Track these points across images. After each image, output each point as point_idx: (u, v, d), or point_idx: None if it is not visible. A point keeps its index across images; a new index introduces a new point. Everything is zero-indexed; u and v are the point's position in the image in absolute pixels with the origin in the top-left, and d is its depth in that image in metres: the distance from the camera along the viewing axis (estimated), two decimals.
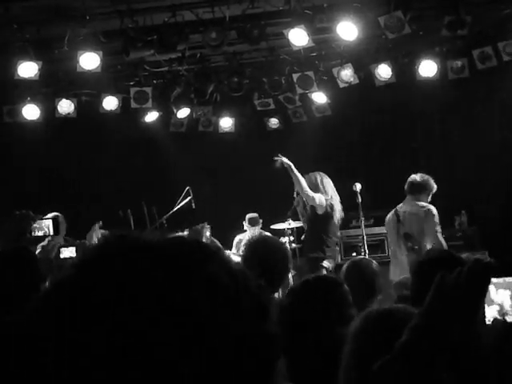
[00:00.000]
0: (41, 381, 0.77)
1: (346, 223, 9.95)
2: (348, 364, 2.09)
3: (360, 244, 8.39)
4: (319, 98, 10.82)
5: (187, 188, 10.02)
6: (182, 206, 9.86)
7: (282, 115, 11.94)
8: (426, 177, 8.04)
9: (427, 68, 9.69)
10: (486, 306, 2.18)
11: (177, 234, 0.91)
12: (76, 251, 4.81)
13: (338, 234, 9.01)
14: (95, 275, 0.82)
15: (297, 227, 10.02)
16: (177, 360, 0.78)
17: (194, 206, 9.84)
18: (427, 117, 11.89)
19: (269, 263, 3.95)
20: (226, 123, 11.94)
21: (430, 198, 7.98)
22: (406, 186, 8.19)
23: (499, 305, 3.09)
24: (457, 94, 11.15)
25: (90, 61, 8.37)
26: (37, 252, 5.03)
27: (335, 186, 9.03)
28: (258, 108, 11.37)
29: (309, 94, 10.65)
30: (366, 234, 8.89)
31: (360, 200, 8.30)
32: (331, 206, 8.64)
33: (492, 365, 2.25)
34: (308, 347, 3.01)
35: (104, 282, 0.81)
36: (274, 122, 12.09)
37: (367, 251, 8.04)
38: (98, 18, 8.07)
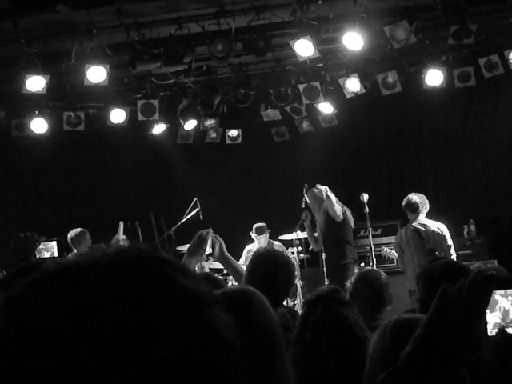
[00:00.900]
0: None
1: (353, 233, 9.95)
2: (373, 372, 2.08)
3: (368, 254, 8.37)
4: (326, 108, 10.83)
5: (195, 199, 10.05)
6: (189, 218, 9.88)
7: (288, 126, 11.95)
8: (422, 195, 8.27)
9: (433, 77, 9.69)
10: (488, 315, 2.17)
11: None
12: None
13: None
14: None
15: (305, 238, 10.02)
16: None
17: (201, 218, 9.86)
18: (434, 126, 11.89)
19: (273, 276, 3.94)
20: (233, 134, 11.96)
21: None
22: (405, 205, 8.33)
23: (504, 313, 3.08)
24: (463, 103, 11.15)
25: (97, 74, 8.41)
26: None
27: (342, 196, 9.04)
28: (265, 119, 11.39)
29: (315, 105, 10.66)
30: (374, 244, 8.87)
31: (367, 210, 8.28)
32: (345, 213, 8.67)
33: (493, 377, 2.24)
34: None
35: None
36: (280, 132, 12.10)
37: (375, 261, 8.01)
38: (105, 32, 8.11)
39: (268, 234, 10.07)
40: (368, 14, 8.01)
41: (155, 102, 10.11)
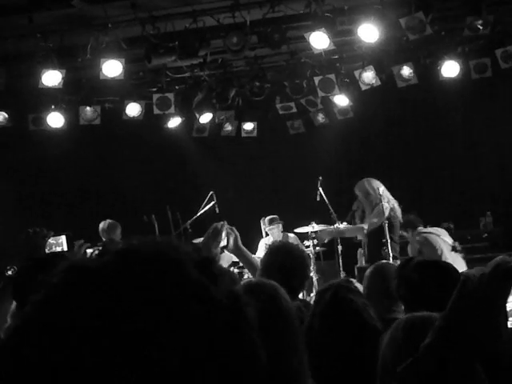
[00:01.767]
0: None
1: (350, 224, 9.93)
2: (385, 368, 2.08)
3: (384, 247, 8.34)
4: (341, 100, 10.80)
5: (211, 193, 10.06)
6: (205, 211, 9.90)
7: (304, 118, 11.93)
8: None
9: (450, 68, 9.64)
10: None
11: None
12: None
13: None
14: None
15: (321, 231, 10.01)
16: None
17: (217, 211, 9.87)
18: (450, 118, 11.82)
19: (288, 270, 3.95)
20: (249, 127, 11.97)
21: None
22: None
23: None
24: (480, 94, 11.08)
25: (112, 68, 8.43)
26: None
27: None
28: (280, 112, 11.38)
29: (331, 97, 10.64)
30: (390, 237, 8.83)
31: (383, 203, 8.25)
32: (392, 209, 8.54)
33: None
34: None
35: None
36: (296, 125, 12.08)
37: (391, 254, 7.99)
38: (120, 26, 8.14)
39: (280, 226, 10.06)
40: (383, 6, 7.99)
41: (171, 96, 10.13)
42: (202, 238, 4.09)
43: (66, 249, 3.92)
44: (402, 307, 4.43)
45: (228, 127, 11.87)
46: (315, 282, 9.40)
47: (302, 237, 10.10)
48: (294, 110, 11.31)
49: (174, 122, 11.02)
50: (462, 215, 11.10)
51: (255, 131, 11.97)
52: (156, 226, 10.23)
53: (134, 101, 10.37)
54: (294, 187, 11.51)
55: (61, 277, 0.87)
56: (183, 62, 9.02)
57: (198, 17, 8.10)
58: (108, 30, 8.08)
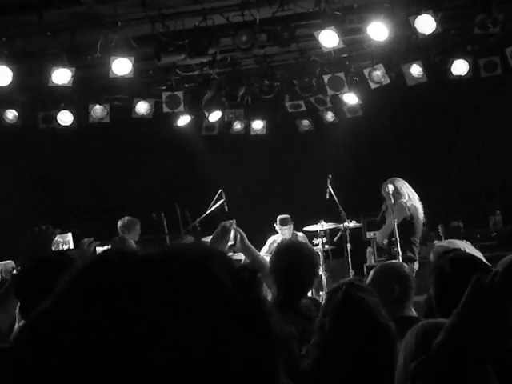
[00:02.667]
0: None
1: (378, 224, 9.90)
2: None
3: (393, 246, 8.33)
4: (350, 99, 10.79)
5: (220, 191, 10.08)
6: (214, 209, 9.92)
7: (313, 117, 11.92)
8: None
9: (459, 67, 9.62)
10: None
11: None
12: None
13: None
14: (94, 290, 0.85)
15: (330, 229, 10.01)
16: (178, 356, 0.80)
17: (226, 209, 9.89)
18: (460, 116, 11.80)
19: (297, 268, 3.97)
20: (258, 126, 11.97)
21: None
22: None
23: None
24: (490, 93, 11.05)
25: (122, 66, 8.45)
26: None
27: (367, 187, 8.99)
28: (290, 110, 11.37)
29: (340, 96, 10.63)
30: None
31: (393, 202, 8.24)
32: (410, 208, 8.50)
33: None
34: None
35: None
36: (305, 123, 12.08)
37: (400, 252, 7.98)
38: (130, 24, 8.15)
39: (292, 226, 10.07)
40: (393, 4, 7.97)
41: (180, 94, 10.14)
42: (210, 237, 4.11)
43: (72, 247, 3.93)
44: (413, 310, 4.44)
45: (237, 125, 11.88)
46: (324, 281, 9.40)
47: (311, 235, 10.10)
48: (304, 108, 11.30)
49: (184, 121, 11.04)
50: (471, 214, 11.08)
51: (264, 129, 11.97)
52: (165, 223, 10.27)
53: (144, 99, 10.39)
54: (303, 185, 11.51)
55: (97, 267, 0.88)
56: (193, 61, 9.04)
57: (207, 15, 8.10)
58: (118, 29, 8.09)
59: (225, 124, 11.65)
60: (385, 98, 10.85)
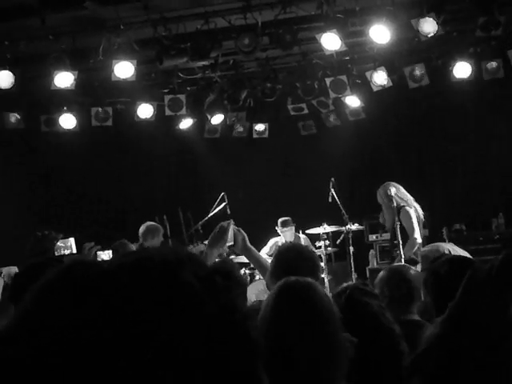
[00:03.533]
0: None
1: (381, 227, 9.89)
2: None
3: (396, 249, 8.32)
4: (353, 101, 10.79)
5: (222, 194, 10.09)
6: (217, 212, 9.92)
7: (315, 120, 11.92)
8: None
9: (461, 69, 9.62)
10: None
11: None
12: (112, 255, 4.83)
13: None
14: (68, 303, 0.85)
15: (332, 231, 10.01)
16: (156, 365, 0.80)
17: (229, 212, 9.89)
18: (462, 119, 11.78)
19: (298, 271, 3.96)
20: (260, 128, 11.97)
21: None
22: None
23: None
24: (492, 96, 11.04)
25: (124, 69, 8.46)
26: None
27: (369, 190, 8.97)
28: (292, 113, 11.37)
29: (342, 98, 10.62)
30: (402, 238, 8.81)
31: (395, 204, 8.23)
32: (415, 210, 8.45)
33: None
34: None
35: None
36: (307, 126, 12.08)
37: (403, 255, 7.97)
38: (132, 28, 8.16)
39: (293, 228, 10.07)
40: (395, 7, 7.97)
41: (182, 97, 10.16)
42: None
43: (74, 251, 3.93)
44: (416, 309, 4.44)
45: (239, 128, 11.88)
46: (327, 284, 9.39)
47: (314, 237, 10.10)
48: (306, 111, 11.30)
49: (186, 124, 11.05)
50: (473, 216, 11.07)
51: (267, 132, 11.98)
52: (168, 226, 10.26)
53: (146, 102, 10.39)
54: (306, 188, 11.50)
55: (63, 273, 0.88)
56: (195, 64, 9.05)
57: (209, 18, 8.12)
58: (120, 32, 8.11)
59: (227, 127, 11.66)
60: (387, 101, 10.85)
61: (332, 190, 9.78)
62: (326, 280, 9.40)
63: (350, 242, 9.82)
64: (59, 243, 3.78)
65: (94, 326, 0.80)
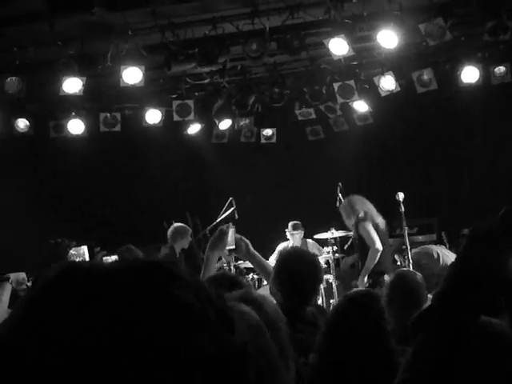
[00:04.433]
0: None
1: (389, 231, 9.87)
2: None
3: (404, 254, 8.31)
4: (360, 106, 10.78)
5: (230, 199, 10.10)
6: (225, 217, 9.93)
7: (323, 125, 11.93)
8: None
9: (469, 74, 9.60)
10: None
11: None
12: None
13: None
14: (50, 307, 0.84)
15: (340, 237, 9.99)
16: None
17: (236, 217, 9.89)
18: (470, 124, 11.77)
19: (300, 275, 3.96)
20: (268, 133, 11.99)
21: None
22: None
23: None
24: (500, 100, 11.02)
25: (132, 75, 8.49)
26: None
27: (377, 194, 8.96)
28: (299, 118, 11.38)
29: (350, 103, 10.62)
30: (410, 243, 8.80)
31: (403, 209, 8.22)
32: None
33: None
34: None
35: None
36: (315, 131, 12.08)
37: (411, 260, 7.95)
38: (140, 33, 8.19)
39: (302, 232, 10.07)
40: (402, 12, 7.97)
41: (190, 103, 10.17)
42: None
43: (87, 259, 3.94)
44: None
45: (247, 133, 11.90)
46: (335, 289, 9.38)
47: (322, 243, 10.09)
48: (314, 116, 11.30)
49: (194, 129, 11.07)
50: (482, 221, 11.02)
51: (274, 137, 11.99)
52: None
53: (154, 107, 10.41)
54: (314, 193, 11.50)
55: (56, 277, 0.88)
56: (203, 69, 9.06)
57: (217, 24, 8.13)
58: (128, 38, 8.13)
59: (235, 132, 11.68)
60: (395, 106, 10.85)
61: (340, 194, 9.76)
62: (333, 285, 9.38)
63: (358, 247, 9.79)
64: (72, 251, 3.79)
65: (93, 331, 0.80)
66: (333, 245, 9.91)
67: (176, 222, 9.99)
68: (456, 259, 1.68)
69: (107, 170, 12.00)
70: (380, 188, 9.39)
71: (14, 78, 8.51)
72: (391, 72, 9.71)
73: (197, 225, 10.37)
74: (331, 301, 9.30)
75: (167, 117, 10.44)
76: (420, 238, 10.42)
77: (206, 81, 9.78)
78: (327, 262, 9.71)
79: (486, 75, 9.77)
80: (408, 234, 8.71)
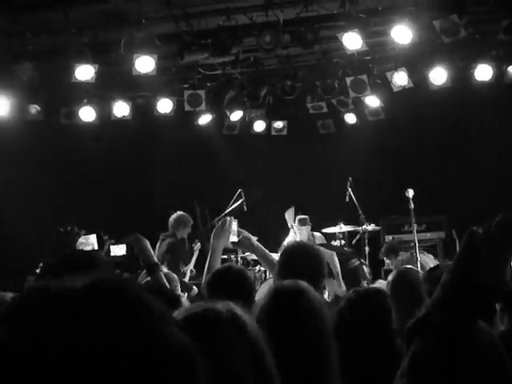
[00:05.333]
0: None
1: (398, 228, 9.87)
2: None
3: (412, 251, 8.30)
4: (372, 101, 10.75)
5: (239, 190, 10.10)
6: (233, 209, 9.94)
7: (334, 119, 11.90)
8: None
9: (483, 72, 9.56)
10: None
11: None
12: (126, 249, 4.88)
13: None
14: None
15: (348, 231, 9.99)
16: None
17: (245, 209, 9.90)
18: (483, 121, 11.71)
19: (303, 269, 3.97)
20: (279, 126, 11.97)
21: None
22: None
23: None
24: None
25: (145, 64, 8.49)
26: None
27: (387, 190, 8.94)
28: (311, 111, 11.36)
29: (362, 98, 10.59)
30: (418, 240, 8.79)
31: (412, 206, 8.20)
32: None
33: None
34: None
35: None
36: (326, 125, 12.05)
37: (419, 257, 7.93)
38: (154, 22, 8.19)
39: (309, 227, 10.07)
40: (417, 7, 7.93)
41: (202, 93, 10.16)
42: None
43: (96, 248, 3.95)
44: None
45: (258, 125, 11.88)
46: (342, 283, 9.36)
47: (330, 237, 10.09)
48: (325, 109, 11.28)
49: (205, 119, 11.07)
50: (491, 220, 10.98)
51: (285, 130, 11.97)
52: None
53: (166, 97, 10.41)
54: (323, 187, 11.48)
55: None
56: (215, 60, 9.06)
57: (231, 15, 8.12)
58: (142, 27, 8.13)
59: (246, 124, 11.67)
60: (407, 102, 10.79)
61: (349, 189, 9.77)
62: (340, 279, 9.37)
63: (366, 242, 9.80)
64: (81, 239, 3.79)
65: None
66: (341, 239, 9.91)
67: (182, 211, 10.03)
68: (453, 264, 1.68)
69: (115, 158, 12.01)
70: (390, 184, 9.36)
71: (27, 64, 8.53)
72: (404, 68, 9.67)
73: (205, 215, 10.38)
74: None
75: (178, 106, 10.44)
76: (428, 235, 10.41)
77: (218, 71, 9.78)
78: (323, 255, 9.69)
79: (500, 73, 9.72)
80: (416, 230, 8.70)
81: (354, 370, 2.96)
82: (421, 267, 7.43)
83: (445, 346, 1.61)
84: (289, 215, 10.04)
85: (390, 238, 10.60)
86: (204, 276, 4.42)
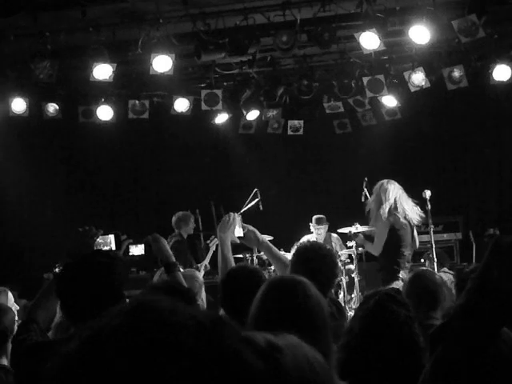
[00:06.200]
0: None
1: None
2: None
3: (428, 252, 8.27)
4: (389, 101, 10.71)
5: (255, 190, 10.09)
6: (249, 208, 9.93)
7: (351, 118, 11.87)
8: None
9: (501, 72, 9.50)
10: None
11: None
12: (145, 249, 4.91)
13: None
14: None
15: (364, 231, 9.95)
16: None
17: (261, 208, 9.90)
18: (500, 122, 11.65)
19: (316, 268, 3.97)
20: (295, 125, 11.96)
21: None
22: None
23: None
24: None
25: (162, 63, 8.51)
26: None
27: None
28: (327, 111, 11.34)
29: (379, 98, 10.55)
30: (435, 241, 8.76)
31: (429, 207, 8.17)
32: (396, 217, 8.29)
33: None
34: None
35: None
36: (343, 124, 12.03)
37: (435, 258, 7.91)
38: (171, 22, 8.21)
39: (327, 226, 10.05)
40: (435, 7, 7.90)
41: (219, 92, 10.17)
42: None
43: (114, 248, 3.97)
44: (440, 313, 4.41)
45: (274, 125, 11.87)
46: (357, 283, 9.35)
47: (345, 237, 10.06)
48: (342, 109, 11.25)
49: (221, 119, 11.09)
50: (508, 221, 10.94)
51: (302, 129, 11.95)
52: (200, 220, 10.36)
53: (183, 96, 10.43)
54: (339, 187, 11.47)
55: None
56: (232, 59, 9.07)
57: (248, 14, 8.13)
58: (159, 26, 8.15)
59: (262, 123, 11.66)
60: (424, 102, 10.76)
61: (365, 189, 9.72)
62: (356, 280, 9.36)
63: None
64: (99, 239, 3.80)
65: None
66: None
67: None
68: (478, 271, 1.67)
69: (132, 157, 12.06)
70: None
71: (45, 63, 8.57)
72: (421, 68, 9.63)
73: (221, 214, 10.38)
74: (352, 295, 9.29)
75: (195, 106, 10.46)
76: (445, 235, 10.36)
77: (235, 71, 9.79)
78: (350, 257, 9.68)
79: None
80: (433, 231, 8.67)
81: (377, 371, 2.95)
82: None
83: (468, 352, 1.60)
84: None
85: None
86: (219, 266, 4.49)
